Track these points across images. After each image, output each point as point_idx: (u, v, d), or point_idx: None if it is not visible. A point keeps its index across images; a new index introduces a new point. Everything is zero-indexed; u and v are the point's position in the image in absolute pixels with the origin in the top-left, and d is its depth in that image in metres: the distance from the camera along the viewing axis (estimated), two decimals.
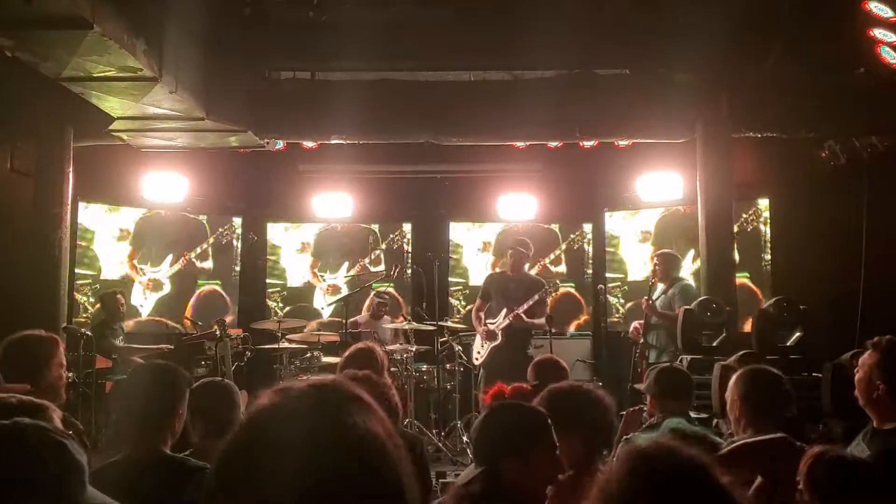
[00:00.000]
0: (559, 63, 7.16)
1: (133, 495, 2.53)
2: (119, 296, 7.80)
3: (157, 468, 2.68)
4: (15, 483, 1.66)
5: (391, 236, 9.61)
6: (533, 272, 8.88)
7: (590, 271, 9.45)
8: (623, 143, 8.39)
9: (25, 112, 6.66)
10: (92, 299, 8.33)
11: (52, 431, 1.77)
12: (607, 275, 9.28)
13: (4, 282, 6.66)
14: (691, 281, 7.66)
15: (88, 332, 6.72)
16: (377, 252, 9.53)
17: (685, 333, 6.30)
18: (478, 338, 7.22)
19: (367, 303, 8.46)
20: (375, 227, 9.64)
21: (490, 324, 7.06)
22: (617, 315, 9.21)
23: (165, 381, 2.86)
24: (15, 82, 6.00)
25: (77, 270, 8.14)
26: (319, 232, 9.56)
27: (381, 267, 9.42)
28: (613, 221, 9.35)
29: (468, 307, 8.62)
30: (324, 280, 9.51)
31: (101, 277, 8.53)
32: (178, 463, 2.73)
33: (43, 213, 6.66)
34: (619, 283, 9.25)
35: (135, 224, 8.80)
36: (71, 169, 6.79)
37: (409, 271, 9.27)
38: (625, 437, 3.58)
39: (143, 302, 8.87)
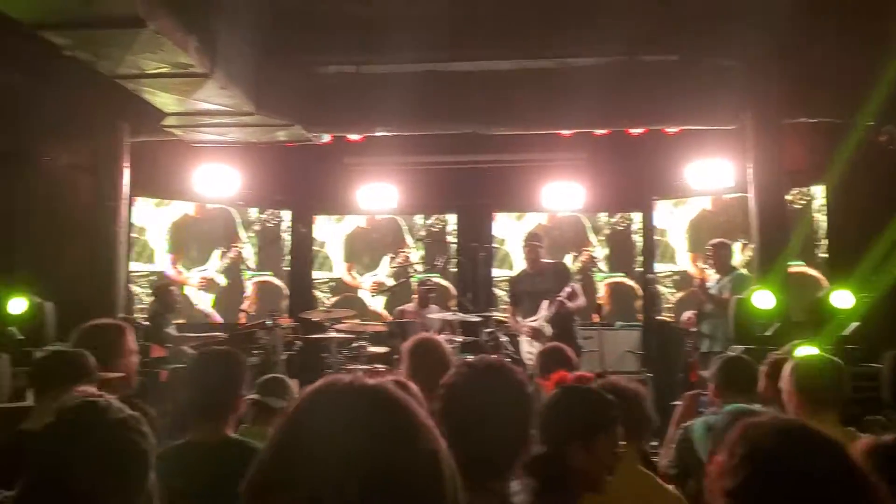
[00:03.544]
0: (605, 51, 7.09)
1: (198, 477, 2.61)
2: (172, 287, 7.98)
3: (221, 451, 2.75)
4: (82, 462, 1.71)
5: (426, 224, 9.65)
6: (577, 264, 8.87)
7: (641, 258, 9.37)
8: (671, 130, 8.28)
9: (83, 109, 6.83)
10: (147, 291, 8.52)
11: (119, 414, 1.83)
12: (656, 265, 9.18)
13: (65, 274, 6.86)
14: (745, 270, 7.54)
15: (145, 322, 6.89)
16: (416, 241, 9.58)
17: (738, 323, 6.21)
18: (523, 339, 7.19)
19: (415, 292, 8.53)
20: (419, 217, 9.70)
21: (532, 322, 7.02)
22: (667, 305, 9.12)
23: (228, 365, 2.92)
24: (73, 80, 6.16)
25: (133, 263, 8.33)
26: (349, 234, 9.65)
27: (419, 256, 9.47)
28: (663, 210, 9.24)
29: None
30: (358, 279, 9.59)
31: (157, 269, 8.74)
32: (241, 446, 2.79)
33: (100, 208, 6.84)
34: (669, 273, 9.14)
35: (169, 231, 8.92)
36: (127, 164, 6.96)
37: (452, 262, 9.30)
38: (682, 424, 3.55)
39: (200, 301, 9.05)
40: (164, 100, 6.40)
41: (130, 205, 7.67)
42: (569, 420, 2.27)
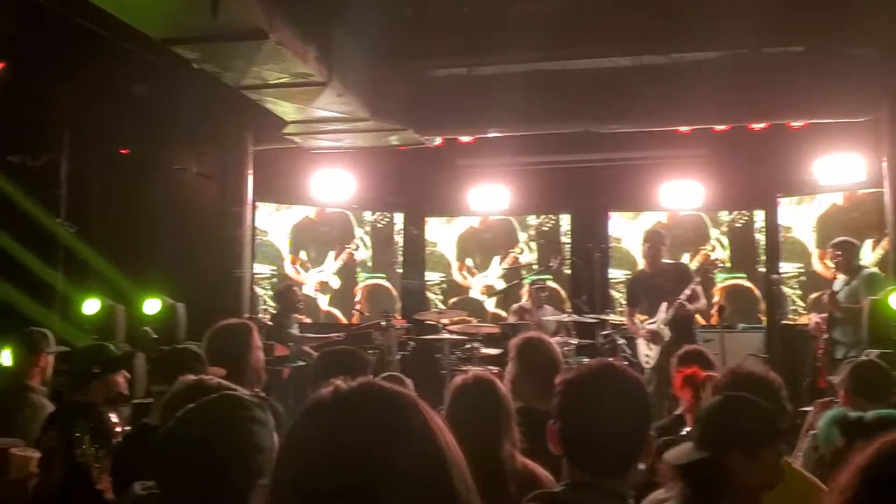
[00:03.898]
0: (724, 44, 6.84)
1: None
2: (296, 288, 8.26)
3: None
4: (202, 451, 1.78)
5: (539, 224, 9.59)
6: (695, 263, 8.58)
7: (764, 258, 8.98)
8: (796, 123, 7.90)
9: (211, 120, 7.20)
10: (270, 292, 8.87)
11: (245, 409, 1.89)
12: (782, 265, 8.77)
13: (194, 277, 7.24)
14: (876, 269, 7.10)
15: (269, 322, 7.17)
16: (528, 242, 9.54)
17: (873, 326, 5.86)
18: (641, 342, 7.02)
19: (526, 293, 8.49)
20: (532, 218, 9.65)
21: (650, 324, 6.85)
22: (794, 307, 8.69)
23: (353, 363, 3.00)
24: (201, 92, 6.49)
25: (256, 265, 8.68)
26: (461, 234, 9.69)
27: (532, 257, 9.41)
28: (787, 207, 8.82)
29: None
30: (469, 279, 9.63)
31: (278, 271, 9.08)
32: None
33: (226, 213, 7.18)
34: (796, 274, 8.72)
35: (289, 233, 9.20)
36: (251, 171, 7.28)
37: (566, 263, 9.19)
38: (811, 431, 3.38)
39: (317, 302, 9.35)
40: (284, 109, 6.65)
41: (253, 210, 8.01)
42: (732, 427, 2.19)
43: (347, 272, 9.48)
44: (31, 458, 3.18)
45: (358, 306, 9.23)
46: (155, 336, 7.01)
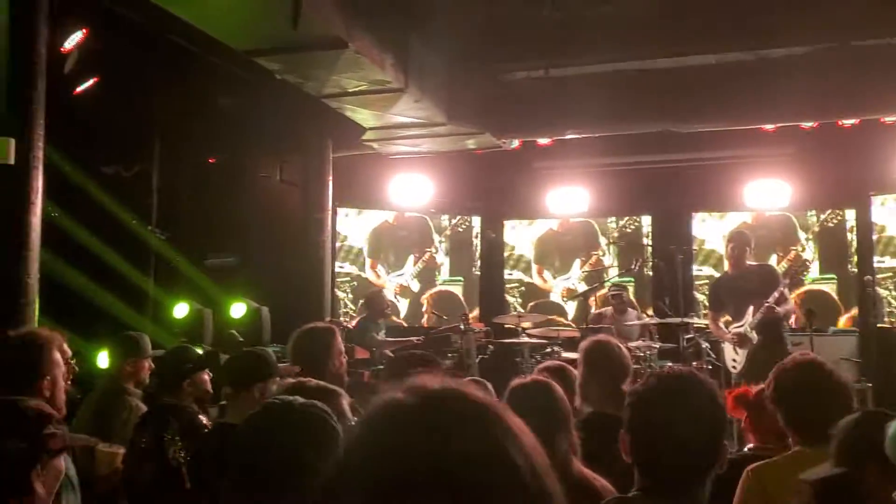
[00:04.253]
0: (812, 39, 6.60)
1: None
2: (384, 294, 8.35)
3: None
4: (275, 453, 1.82)
5: (620, 226, 9.44)
6: (783, 265, 8.31)
7: (855, 258, 8.61)
8: (889, 119, 7.55)
9: (292, 128, 7.38)
10: (350, 295, 9.00)
11: (321, 413, 1.91)
12: (877, 265, 8.39)
13: (278, 281, 7.43)
14: None
15: (349, 326, 7.29)
16: (609, 244, 9.40)
17: None
18: (727, 346, 6.82)
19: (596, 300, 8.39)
20: (612, 220, 9.51)
21: (736, 328, 6.65)
22: (890, 309, 8.30)
23: (422, 367, 3.02)
24: (283, 102, 6.67)
25: (339, 265, 8.82)
26: (540, 237, 9.62)
27: (612, 259, 9.27)
28: (884, 206, 8.43)
29: None
30: (550, 282, 9.55)
31: (358, 273, 9.22)
32: None
33: (308, 219, 7.35)
34: (892, 274, 8.32)
35: (368, 237, 9.30)
36: (331, 178, 7.43)
37: (648, 265, 9.02)
38: None
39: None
40: (363, 116, 6.77)
41: (334, 215, 8.16)
42: (869, 442, 2.14)
43: (426, 276, 9.55)
44: (117, 455, 3.32)
45: (425, 314, 9.28)
46: (241, 339, 7.22)
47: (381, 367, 7.36)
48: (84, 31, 5.71)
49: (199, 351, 4.54)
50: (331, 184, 7.47)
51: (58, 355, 2.75)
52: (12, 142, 4.42)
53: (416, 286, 9.50)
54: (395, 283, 9.42)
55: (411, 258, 9.50)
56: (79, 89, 6.26)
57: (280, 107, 6.80)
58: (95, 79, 6.34)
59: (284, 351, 4.50)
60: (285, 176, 7.99)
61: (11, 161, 4.40)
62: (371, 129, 7.12)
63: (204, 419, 3.74)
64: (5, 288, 4.41)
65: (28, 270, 4.42)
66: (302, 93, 6.16)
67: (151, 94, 7.02)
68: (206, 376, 4.02)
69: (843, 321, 8.57)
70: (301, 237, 7.38)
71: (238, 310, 7.21)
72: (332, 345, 3.51)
